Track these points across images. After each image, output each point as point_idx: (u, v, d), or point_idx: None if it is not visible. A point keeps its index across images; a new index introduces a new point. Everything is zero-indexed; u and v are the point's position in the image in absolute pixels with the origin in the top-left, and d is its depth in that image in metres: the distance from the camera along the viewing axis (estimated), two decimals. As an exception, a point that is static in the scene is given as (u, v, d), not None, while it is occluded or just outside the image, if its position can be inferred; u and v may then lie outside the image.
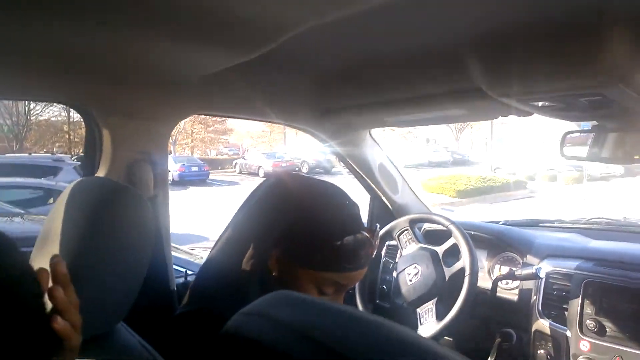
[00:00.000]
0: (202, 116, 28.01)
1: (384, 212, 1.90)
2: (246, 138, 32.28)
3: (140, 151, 1.15)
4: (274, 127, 30.39)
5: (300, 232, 0.83)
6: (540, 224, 1.86)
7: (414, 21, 0.91)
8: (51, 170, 7.82)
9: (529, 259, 1.52)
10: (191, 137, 27.92)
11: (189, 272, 1.45)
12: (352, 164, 1.71)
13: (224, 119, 29.02)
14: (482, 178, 14.12)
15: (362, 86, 1.29)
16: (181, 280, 1.38)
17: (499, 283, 1.53)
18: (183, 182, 17.52)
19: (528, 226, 1.86)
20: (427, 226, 1.76)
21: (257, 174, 20.36)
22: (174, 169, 18.32)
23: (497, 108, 1.11)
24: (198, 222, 8.93)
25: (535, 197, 13.63)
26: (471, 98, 1.08)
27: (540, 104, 1.01)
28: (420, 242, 1.61)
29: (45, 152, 14.89)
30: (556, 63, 0.86)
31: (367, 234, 0.87)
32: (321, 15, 0.74)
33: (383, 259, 1.81)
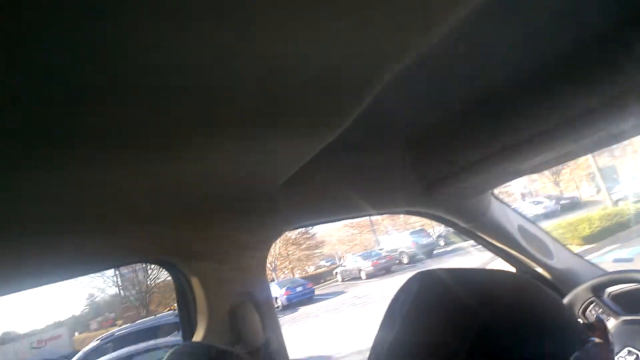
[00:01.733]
0: (294, 236, 29.26)
1: (543, 285, 1.46)
2: (338, 245, 32.27)
3: (240, 291, 0.92)
4: (362, 226, 30.31)
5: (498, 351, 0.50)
6: None
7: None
8: (175, 326, 8.37)
9: None
10: (288, 260, 28.44)
11: None
12: (484, 236, 1.35)
13: (313, 233, 29.83)
14: (606, 216, 12.39)
15: (474, 134, 1.00)
16: None
17: None
18: (291, 305, 17.44)
19: None
20: (612, 291, 1.30)
21: (359, 277, 19.93)
22: (279, 294, 18.46)
23: None
24: (316, 341, 8.64)
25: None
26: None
27: None
28: (620, 314, 1.14)
29: (168, 310, 15.79)
30: None
31: (598, 339, 0.52)
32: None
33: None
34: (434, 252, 20.64)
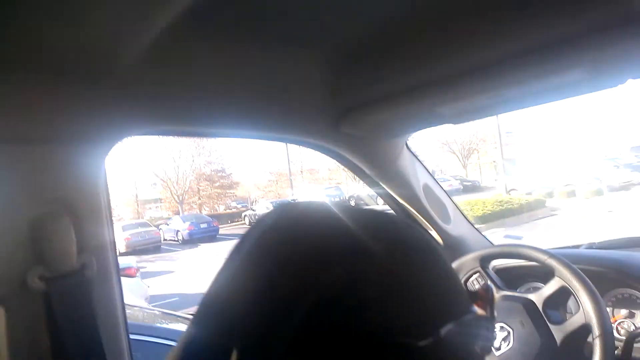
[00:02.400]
0: (208, 173, 28.43)
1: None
2: (253, 190, 32.11)
3: (53, 198, 0.67)
4: (280, 175, 30.30)
5: (348, 317, 0.36)
6: (645, 244, 1.35)
7: None
8: None
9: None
10: (198, 195, 27.74)
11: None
12: (386, 188, 1.23)
13: (229, 173, 29.20)
14: (498, 201, 13.51)
15: (400, 62, 0.84)
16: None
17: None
18: (193, 240, 17.18)
19: (621, 248, 1.35)
20: (496, 265, 1.27)
21: (267, 224, 20.09)
22: (182, 227, 18.06)
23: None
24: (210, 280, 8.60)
25: (557, 214, 12.97)
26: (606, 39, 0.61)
27: None
28: (502, 288, 1.10)
29: None
30: None
31: (480, 312, 0.41)
32: None
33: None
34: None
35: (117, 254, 0.79)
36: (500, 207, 12.96)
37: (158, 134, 0.86)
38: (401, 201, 1.25)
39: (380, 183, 1.21)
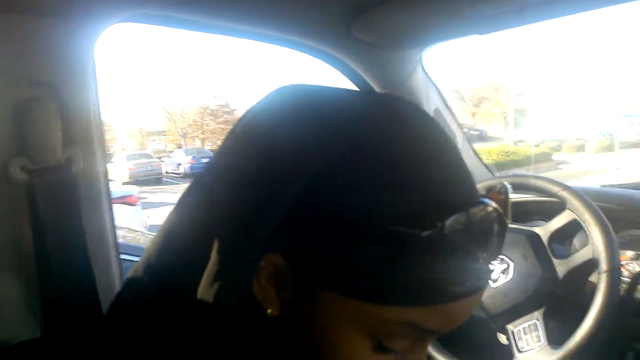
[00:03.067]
0: (212, 107, 28.12)
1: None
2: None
3: (38, 81, 0.61)
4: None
5: (336, 206, 0.32)
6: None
7: None
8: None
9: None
10: (201, 130, 27.63)
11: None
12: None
13: (233, 109, 28.85)
14: (504, 152, 13.42)
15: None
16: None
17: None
18: (195, 174, 17.21)
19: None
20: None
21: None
22: (185, 161, 18.15)
23: None
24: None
25: (562, 169, 12.88)
26: None
27: None
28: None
29: None
30: None
31: (493, 204, 0.35)
32: None
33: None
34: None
35: (107, 151, 0.74)
36: (505, 158, 12.88)
37: (156, 22, 0.78)
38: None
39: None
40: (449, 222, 0.31)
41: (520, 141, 17.23)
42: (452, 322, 0.34)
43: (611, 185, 1.38)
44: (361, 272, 0.32)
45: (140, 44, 50.01)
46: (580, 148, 14.96)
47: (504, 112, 24.02)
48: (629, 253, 1.09)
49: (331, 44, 0.94)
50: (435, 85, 1.20)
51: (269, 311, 0.34)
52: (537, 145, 15.22)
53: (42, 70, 0.61)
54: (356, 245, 0.31)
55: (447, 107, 1.25)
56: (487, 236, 0.34)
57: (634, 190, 1.11)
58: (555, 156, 13.99)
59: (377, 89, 1.08)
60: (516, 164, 12.67)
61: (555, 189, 0.95)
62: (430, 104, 1.17)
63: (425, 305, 0.32)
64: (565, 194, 0.93)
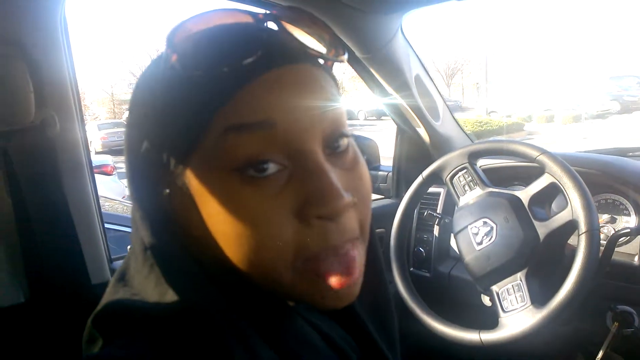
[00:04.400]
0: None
1: (417, 148, 1.35)
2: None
3: (6, 39, 0.58)
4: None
5: None
6: (630, 153, 1.32)
7: None
8: None
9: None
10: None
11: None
12: (376, 74, 1.13)
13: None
14: (478, 122, 13.59)
15: None
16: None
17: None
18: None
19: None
20: (484, 164, 1.23)
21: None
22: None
23: None
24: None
25: (533, 138, 13.20)
26: None
27: None
28: (487, 185, 1.06)
29: None
30: None
31: None
32: None
33: (419, 211, 1.29)
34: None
35: (84, 114, 0.71)
36: (480, 128, 13.06)
37: None
38: (391, 91, 1.16)
39: (371, 69, 1.11)
40: None
41: (492, 112, 17.49)
42: (272, 110, 0.32)
43: (586, 151, 1.41)
44: None
45: (108, 8, 47.89)
46: (550, 119, 15.31)
47: (477, 83, 24.26)
48: (604, 216, 1.13)
49: (313, 6, 0.91)
50: (415, 52, 1.18)
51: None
52: (509, 116, 15.50)
53: (8, 27, 0.57)
54: None
55: (427, 73, 1.24)
56: None
57: (608, 156, 1.14)
58: (527, 126, 14.29)
59: (358, 53, 1.05)
60: (489, 133, 12.86)
61: (534, 153, 0.96)
62: (411, 70, 1.16)
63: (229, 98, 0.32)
64: (544, 158, 0.95)
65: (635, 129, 11.85)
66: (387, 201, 1.45)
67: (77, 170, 0.66)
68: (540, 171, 0.96)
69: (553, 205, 1.11)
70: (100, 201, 0.77)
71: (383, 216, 1.37)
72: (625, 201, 1.10)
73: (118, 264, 0.87)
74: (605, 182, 1.09)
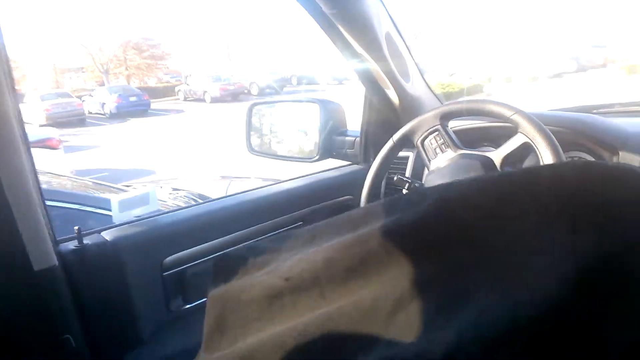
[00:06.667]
0: (136, 40, 25.89)
1: (386, 111, 1.31)
2: (187, 62, 30.14)
3: None
4: (218, 47, 28.46)
5: None
6: (594, 110, 1.33)
7: None
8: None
9: (626, 158, 1.01)
10: (125, 65, 25.58)
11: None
12: (345, 33, 1.07)
13: (159, 42, 26.82)
14: (441, 84, 13.68)
15: None
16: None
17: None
18: (121, 114, 16.13)
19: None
20: (454, 126, 1.20)
21: (203, 100, 19.19)
22: (109, 100, 16.83)
23: None
24: (144, 156, 8.26)
25: (494, 98, 13.45)
26: None
27: None
28: (459, 147, 1.04)
29: None
30: None
31: None
32: None
33: (388, 176, 1.26)
34: (284, 88, 20.84)
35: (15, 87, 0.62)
36: (442, 90, 13.16)
37: None
38: (360, 50, 1.10)
39: (340, 27, 1.04)
40: None
41: (453, 74, 17.65)
42: None
43: (557, 109, 1.41)
44: None
45: (45, -32, 44.12)
46: (509, 80, 15.61)
47: (439, 45, 24.30)
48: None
49: None
50: (386, 9, 1.12)
51: None
52: (470, 78, 15.69)
53: None
54: None
55: (398, 31, 1.19)
56: None
57: (578, 114, 1.13)
58: (487, 88, 14.51)
59: (326, 9, 0.98)
60: (452, 95, 13.01)
61: (508, 112, 0.94)
62: (381, 27, 1.10)
63: None
64: (517, 118, 0.93)
65: (591, 86, 12.27)
66: (355, 167, 1.41)
67: (10, 145, 0.58)
68: (512, 131, 0.95)
69: (525, 165, 1.11)
70: (47, 177, 0.70)
71: (350, 183, 1.34)
72: (594, 159, 1.11)
73: (67, 246, 0.80)
74: (576, 140, 1.09)
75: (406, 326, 0.28)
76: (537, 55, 16.60)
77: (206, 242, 1.07)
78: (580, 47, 17.80)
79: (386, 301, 0.30)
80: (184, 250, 1.03)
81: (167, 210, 1.14)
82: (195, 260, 1.05)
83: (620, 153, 1.01)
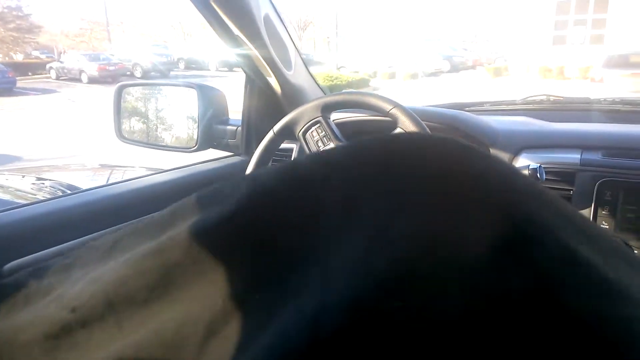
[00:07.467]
0: None
1: (268, 99, 1.24)
2: (61, 38, 26.95)
3: None
4: (95, 24, 25.86)
5: None
6: (467, 107, 1.41)
7: None
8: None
9: (497, 154, 1.06)
10: (-16, 36, 22.05)
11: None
12: (222, 15, 0.96)
13: (27, 13, 23.49)
14: (329, 77, 14.02)
15: None
16: None
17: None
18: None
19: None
20: (336, 118, 1.17)
21: (79, 80, 17.35)
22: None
23: None
24: (7, 140, 7.22)
25: (379, 92, 14.19)
26: None
27: None
28: (340, 140, 1.01)
29: None
30: None
31: None
32: None
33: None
34: (171, 72, 19.76)
35: None
36: (330, 82, 13.49)
37: None
38: (237, 33, 1.01)
39: (215, 7, 0.93)
40: None
41: (342, 67, 18.20)
42: None
43: (433, 105, 1.46)
44: None
45: None
46: (392, 75, 16.59)
47: (328, 37, 24.88)
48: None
49: None
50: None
51: None
52: (356, 72, 16.32)
53: None
54: None
55: (278, 14, 1.11)
56: None
57: (453, 110, 1.18)
58: (372, 82, 15.24)
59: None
60: (339, 88, 13.41)
61: (387, 106, 0.93)
62: (260, 9, 1.01)
63: None
64: (396, 112, 0.92)
65: (462, 85, 13.57)
66: (237, 158, 1.32)
67: None
68: (393, 125, 0.94)
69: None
70: None
71: (231, 175, 1.24)
72: None
73: None
74: (451, 135, 1.12)
75: (221, 356, 0.22)
76: (416, 54, 17.89)
77: (62, 243, 0.88)
78: (453, 48, 19.63)
79: (195, 326, 0.23)
80: (32, 253, 0.83)
81: (24, 203, 0.93)
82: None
83: (490, 150, 1.06)
